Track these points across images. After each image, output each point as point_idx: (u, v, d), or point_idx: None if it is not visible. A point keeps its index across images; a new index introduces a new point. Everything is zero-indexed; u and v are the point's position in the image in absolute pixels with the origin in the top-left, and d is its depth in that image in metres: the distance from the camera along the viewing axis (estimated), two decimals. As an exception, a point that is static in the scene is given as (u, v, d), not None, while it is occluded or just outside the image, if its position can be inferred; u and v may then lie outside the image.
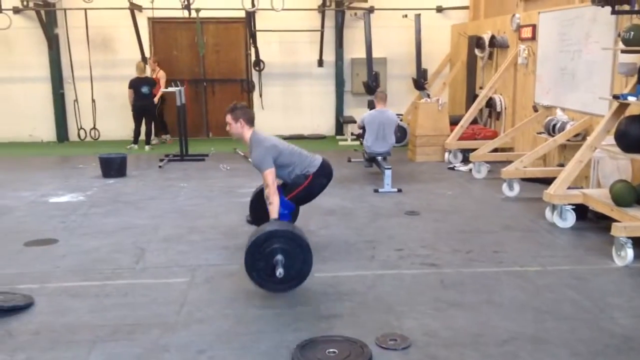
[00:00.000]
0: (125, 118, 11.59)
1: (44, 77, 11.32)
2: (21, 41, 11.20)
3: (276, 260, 4.06)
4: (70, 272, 4.68)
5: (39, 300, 4.10)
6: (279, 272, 4.00)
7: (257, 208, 5.17)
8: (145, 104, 10.53)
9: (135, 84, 10.45)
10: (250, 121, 4.76)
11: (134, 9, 10.82)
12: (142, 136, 10.73)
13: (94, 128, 11.33)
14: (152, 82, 10.60)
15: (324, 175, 4.85)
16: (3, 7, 10.09)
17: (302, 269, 4.17)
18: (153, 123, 10.87)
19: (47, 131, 11.57)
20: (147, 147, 10.60)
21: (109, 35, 11.42)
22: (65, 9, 10.91)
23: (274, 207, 4.49)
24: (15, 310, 3.90)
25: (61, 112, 11.50)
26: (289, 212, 4.78)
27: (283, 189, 4.81)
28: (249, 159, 9.10)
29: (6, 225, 5.98)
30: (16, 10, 10.86)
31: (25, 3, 10.85)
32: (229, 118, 4.72)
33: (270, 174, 4.54)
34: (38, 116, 11.35)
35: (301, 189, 4.76)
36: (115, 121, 11.54)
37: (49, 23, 11.13)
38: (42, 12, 10.97)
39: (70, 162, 9.60)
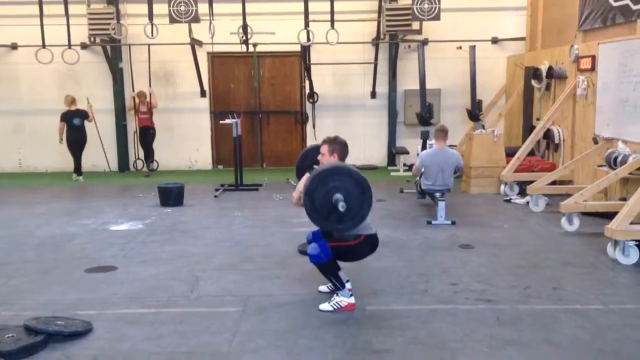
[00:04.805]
0: (183, 148, 12.00)
1: (108, 109, 11.82)
2: (88, 75, 11.77)
3: (336, 199, 4.16)
4: (128, 299, 4.81)
5: (98, 326, 4.22)
6: (341, 204, 4.12)
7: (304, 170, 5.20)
8: (78, 136, 10.85)
9: (66, 117, 10.74)
10: (343, 158, 4.72)
11: (194, 44, 11.23)
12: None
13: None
14: (83, 114, 10.86)
15: (371, 245, 4.56)
16: (72, 43, 10.66)
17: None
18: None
19: (109, 161, 12.00)
20: (80, 178, 10.88)
21: (170, 69, 11.86)
22: (129, 45, 11.42)
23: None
24: (75, 336, 4.02)
25: (123, 143, 11.95)
26: (327, 259, 4.38)
27: (328, 237, 4.55)
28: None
29: (69, 252, 6.21)
30: (84, 46, 11.46)
31: (92, 39, 11.45)
32: (325, 149, 4.65)
33: None
34: (101, 146, 11.79)
35: (347, 244, 4.46)
36: (174, 151, 11.93)
37: (114, 58, 11.67)
38: (108, 48, 11.53)
39: (130, 191, 9.92)
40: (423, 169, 7.33)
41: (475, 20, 11.60)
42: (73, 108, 10.84)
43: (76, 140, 10.89)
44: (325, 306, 4.47)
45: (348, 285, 4.51)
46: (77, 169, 10.97)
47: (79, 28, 10.96)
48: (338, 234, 4.48)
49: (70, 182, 10.80)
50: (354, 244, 4.46)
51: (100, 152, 11.78)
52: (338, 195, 4.19)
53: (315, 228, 4.71)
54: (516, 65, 11.00)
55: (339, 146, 4.67)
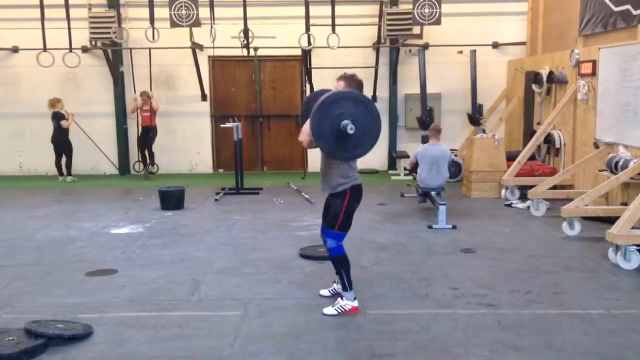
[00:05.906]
0: (184, 152, 12.01)
1: (108, 112, 11.82)
2: (88, 78, 11.77)
3: (343, 125, 4.03)
4: (129, 302, 4.80)
5: (98, 329, 4.21)
6: (350, 126, 4.00)
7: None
8: (56, 137, 11.00)
9: (51, 118, 10.97)
10: None
11: (195, 48, 11.24)
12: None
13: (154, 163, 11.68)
14: (58, 117, 10.94)
15: (358, 196, 4.52)
16: (73, 46, 10.67)
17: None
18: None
19: (110, 164, 12.00)
20: (68, 179, 11.09)
21: (171, 73, 11.87)
22: (130, 48, 11.43)
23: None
24: (75, 339, 4.01)
25: (124, 146, 11.95)
26: (343, 249, 4.49)
27: (326, 222, 4.60)
28: (302, 193, 9.20)
29: (69, 255, 6.20)
30: (85, 50, 11.49)
31: (93, 43, 11.45)
32: (341, 85, 4.46)
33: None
34: (99, 150, 11.78)
35: (342, 213, 4.43)
36: (175, 155, 11.93)
37: (115, 61, 11.68)
38: (109, 51, 11.53)
39: (131, 194, 9.91)
40: (417, 162, 7.61)
41: (476, 25, 11.61)
42: (54, 110, 10.97)
43: (54, 141, 11.03)
44: (329, 310, 4.46)
45: (353, 288, 4.52)
46: (59, 170, 11.13)
47: (80, 31, 11.00)
48: (332, 210, 4.46)
49: (71, 185, 10.81)
50: (345, 204, 4.41)
51: (99, 156, 11.79)
52: (345, 122, 4.05)
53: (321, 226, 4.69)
54: (517, 70, 11.01)
55: (356, 84, 4.49)
